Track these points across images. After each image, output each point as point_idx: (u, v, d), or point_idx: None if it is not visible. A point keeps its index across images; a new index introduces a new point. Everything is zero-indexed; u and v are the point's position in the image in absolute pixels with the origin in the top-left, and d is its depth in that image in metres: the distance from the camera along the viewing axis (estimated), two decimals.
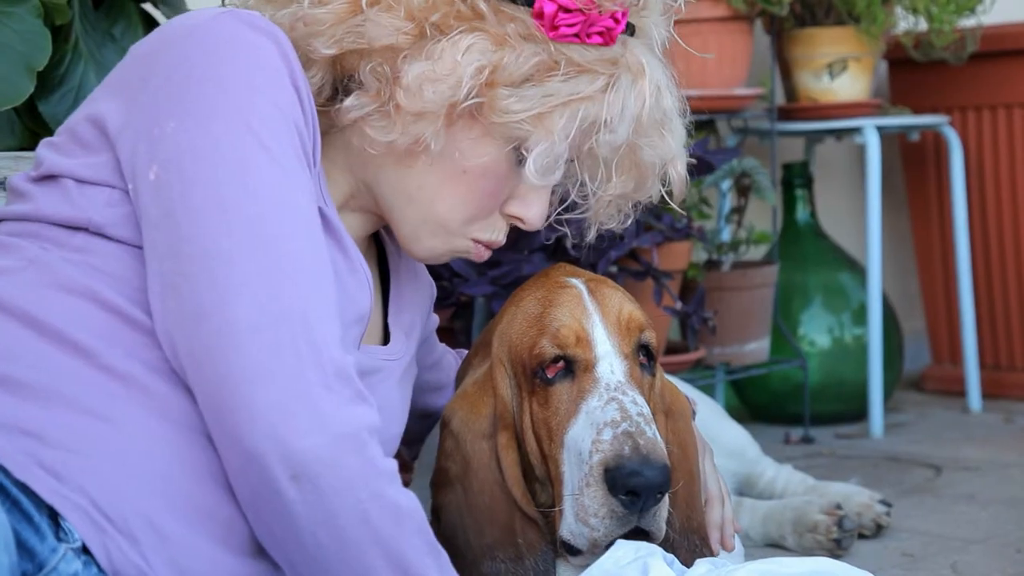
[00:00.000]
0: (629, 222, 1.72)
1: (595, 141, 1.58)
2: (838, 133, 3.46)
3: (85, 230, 1.45)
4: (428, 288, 1.84)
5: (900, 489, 2.75)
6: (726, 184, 3.33)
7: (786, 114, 3.41)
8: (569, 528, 1.62)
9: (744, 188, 3.21)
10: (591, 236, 1.71)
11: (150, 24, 2.21)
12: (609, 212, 1.68)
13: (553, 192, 1.67)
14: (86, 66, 2.07)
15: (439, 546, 1.46)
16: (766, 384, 3.41)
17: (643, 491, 1.56)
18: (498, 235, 1.63)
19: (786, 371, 3.35)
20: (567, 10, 1.52)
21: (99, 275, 1.43)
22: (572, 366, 1.66)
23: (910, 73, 3.64)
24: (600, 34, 1.54)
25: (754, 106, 3.30)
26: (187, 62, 1.44)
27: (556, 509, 1.65)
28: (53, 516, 1.35)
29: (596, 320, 1.68)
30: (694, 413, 1.87)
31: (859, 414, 3.36)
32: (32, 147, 2.03)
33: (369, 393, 1.43)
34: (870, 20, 3.27)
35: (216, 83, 1.42)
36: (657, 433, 1.62)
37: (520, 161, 1.57)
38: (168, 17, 2.25)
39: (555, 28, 1.52)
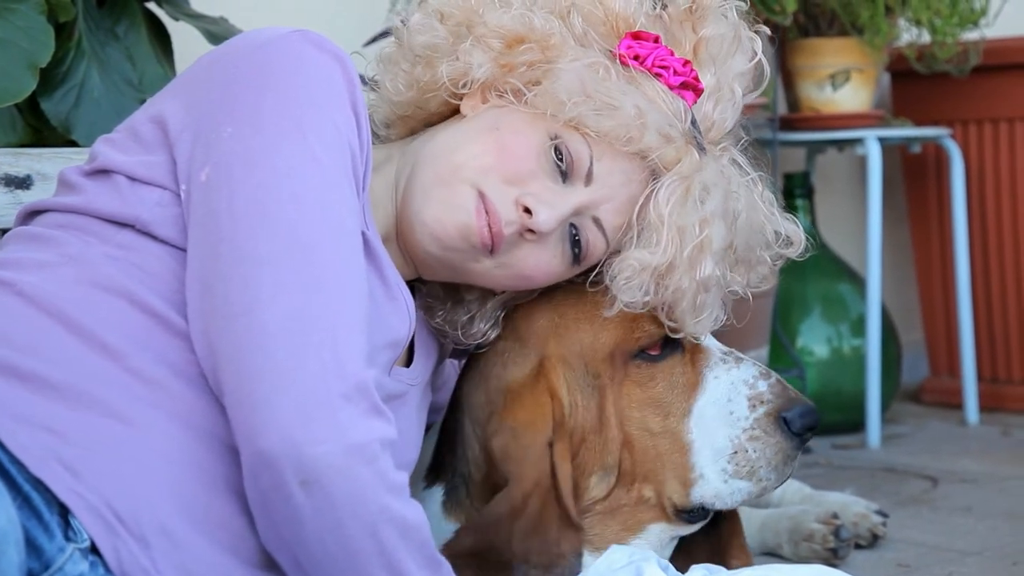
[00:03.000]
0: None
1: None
2: (840, 144, 3.45)
3: (132, 227, 1.47)
4: None
5: (896, 500, 2.74)
6: None
7: (788, 124, 3.41)
8: (715, 491, 1.67)
9: None
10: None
11: (154, 23, 2.22)
12: (631, 280, 1.64)
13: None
14: (89, 64, 2.07)
15: (440, 558, 1.47)
16: None
17: (816, 425, 1.68)
18: (504, 211, 1.57)
19: (784, 380, 3.34)
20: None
21: (139, 274, 1.45)
22: (676, 343, 1.69)
23: (912, 85, 3.64)
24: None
25: (756, 115, 3.29)
26: (251, 73, 1.46)
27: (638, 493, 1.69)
28: (63, 515, 1.35)
29: None
30: None
31: (856, 425, 3.36)
32: (33, 144, 2.04)
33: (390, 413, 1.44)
34: (873, 31, 3.27)
35: (277, 94, 1.45)
36: None
37: (552, 141, 1.60)
38: (172, 17, 2.25)
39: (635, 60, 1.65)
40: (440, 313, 1.74)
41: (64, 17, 2.02)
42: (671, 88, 1.63)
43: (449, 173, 1.58)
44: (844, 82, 3.35)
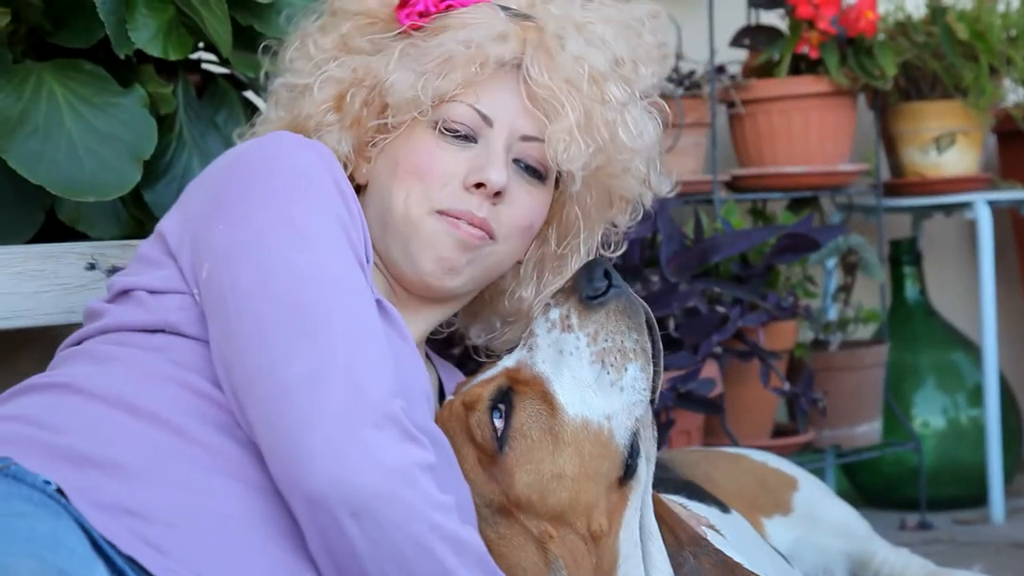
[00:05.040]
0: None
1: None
2: (947, 208, 3.43)
3: (162, 331, 1.58)
4: None
5: None
6: (831, 262, 3.32)
7: (892, 190, 3.40)
8: (622, 407, 1.60)
9: (851, 265, 3.20)
10: (576, 185, 1.73)
11: (252, 111, 2.27)
12: (569, 146, 1.70)
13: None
14: (190, 154, 2.13)
15: (501, 574, 1.51)
16: (879, 468, 3.37)
17: (605, 263, 1.63)
18: (468, 206, 1.68)
19: (900, 454, 3.30)
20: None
21: (181, 367, 1.54)
22: (504, 393, 1.64)
23: (1020, 146, 3.61)
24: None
25: (859, 182, 3.29)
26: (234, 177, 1.60)
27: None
28: None
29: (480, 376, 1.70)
30: (796, 491, 1.84)
31: (978, 498, 3.30)
32: (137, 235, 2.10)
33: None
34: (978, 93, 3.26)
35: (260, 188, 1.57)
36: None
37: (438, 129, 1.69)
38: None
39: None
40: (485, 318, 1.86)
41: (165, 109, 2.08)
42: (465, 5, 1.72)
43: (404, 227, 1.69)
44: (949, 145, 3.34)
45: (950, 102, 3.32)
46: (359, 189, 1.76)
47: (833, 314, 3.27)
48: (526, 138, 1.71)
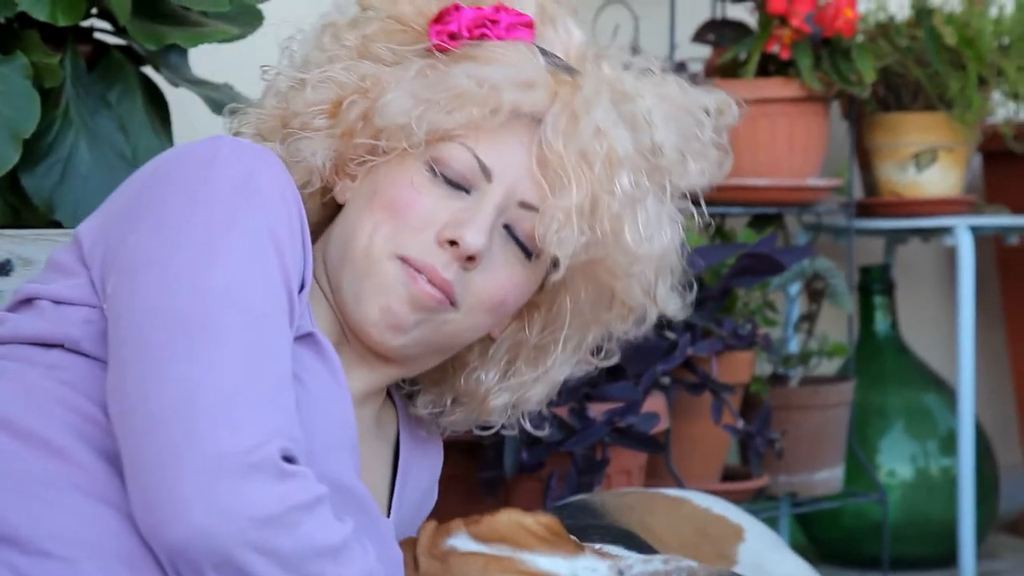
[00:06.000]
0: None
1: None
2: (925, 233, 3.47)
3: (60, 347, 1.55)
4: (434, 468, 1.88)
5: None
6: (795, 288, 3.35)
7: (865, 210, 3.43)
8: None
9: (816, 293, 3.22)
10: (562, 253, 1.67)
11: (150, 90, 2.26)
12: (563, 228, 1.66)
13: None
14: (77, 134, 2.11)
15: None
16: (839, 520, 3.40)
17: None
18: (434, 261, 1.63)
19: (862, 506, 3.33)
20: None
21: (71, 389, 1.53)
22: None
23: (1009, 167, 3.67)
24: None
25: (829, 200, 3.32)
26: (161, 179, 1.57)
27: None
28: None
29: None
30: (742, 542, 1.84)
31: (947, 559, 3.34)
32: (12, 225, 2.07)
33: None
34: (964, 106, 3.30)
35: (186, 196, 1.54)
36: None
37: (429, 167, 1.65)
38: (171, 83, 2.30)
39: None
40: (439, 392, 1.80)
41: (50, 82, 2.05)
42: (502, 39, 1.67)
43: (362, 262, 1.64)
44: (930, 163, 3.38)
45: (933, 114, 3.35)
46: (336, 209, 1.72)
47: (794, 346, 3.30)
48: (524, 205, 1.66)
